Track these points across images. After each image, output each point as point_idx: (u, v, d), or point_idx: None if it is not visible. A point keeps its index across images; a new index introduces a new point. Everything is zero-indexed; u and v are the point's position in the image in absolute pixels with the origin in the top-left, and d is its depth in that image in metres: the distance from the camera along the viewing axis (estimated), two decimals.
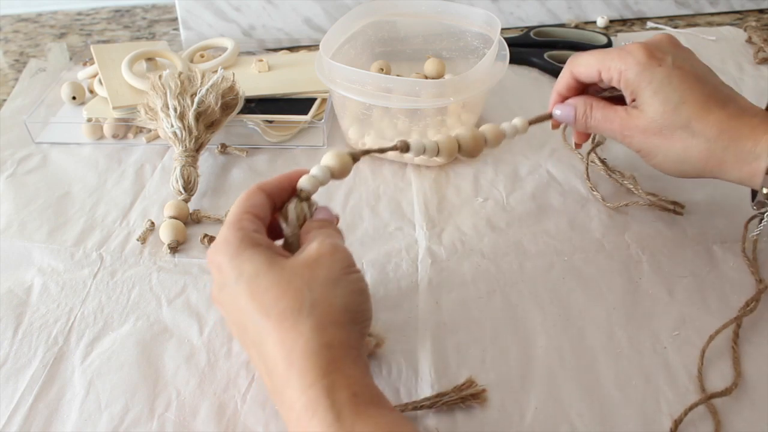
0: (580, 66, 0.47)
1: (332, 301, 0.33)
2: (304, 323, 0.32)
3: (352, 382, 0.31)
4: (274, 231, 0.40)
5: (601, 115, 0.46)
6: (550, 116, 0.50)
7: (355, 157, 0.41)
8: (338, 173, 0.40)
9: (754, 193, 0.42)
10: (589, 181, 0.54)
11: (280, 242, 0.39)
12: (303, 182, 0.39)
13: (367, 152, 0.42)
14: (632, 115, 0.44)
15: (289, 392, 0.31)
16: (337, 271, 0.34)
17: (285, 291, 0.33)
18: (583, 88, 0.49)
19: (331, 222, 0.39)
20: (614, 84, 0.45)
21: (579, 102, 0.47)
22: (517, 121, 0.49)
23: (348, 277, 0.34)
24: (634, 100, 0.44)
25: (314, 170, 0.40)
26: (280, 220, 0.39)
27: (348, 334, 0.33)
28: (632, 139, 0.45)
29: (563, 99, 0.49)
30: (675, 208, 0.51)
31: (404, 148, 0.43)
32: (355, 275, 0.35)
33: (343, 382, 0.31)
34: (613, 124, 0.45)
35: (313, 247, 0.35)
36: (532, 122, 0.49)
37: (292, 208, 0.38)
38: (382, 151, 0.43)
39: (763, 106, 0.42)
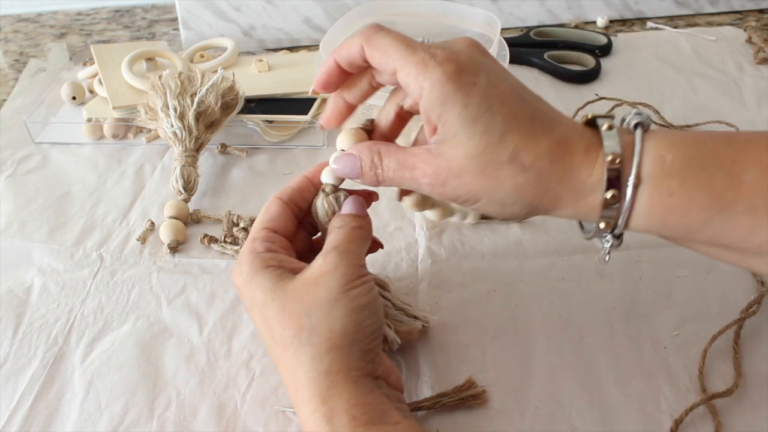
0: (375, 57, 0.34)
1: (331, 326, 0.33)
2: (304, 351, 0.33)
3: (351, 405, 0.32)
4: (311, 228, 0.41)
5: (397, 164, 0.34)
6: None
7: (367, 128, 0.39)
8: None
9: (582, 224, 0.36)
10: None
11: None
12: (324, 176, 0.38)
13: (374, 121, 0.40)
14: (441, 154, 0.32)
15: (299, 411, 0.34)
16: (337, 290, 0.34)
17: (287, 319, 0.34)
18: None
19: (354, 217, 0.37)
20: (410, 99, 0.35)
21: (363, 150, 0.36)
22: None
23: (348, 295, 0.34)
24: (435, 131, 0.33)
25: (332, 159, 0.38)
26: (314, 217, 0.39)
27: (348, 356, 0.33)
28: (445, 188, 0.33)
29: (337, 82, 0.37)
30: None
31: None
32: (356, 290, 0.34)
33: (342, 407, 0.32)
34: (415, 172, 0.33)
35: (316, 264, 0.35)
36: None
37: (319, 204, 0.38)
38: None
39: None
